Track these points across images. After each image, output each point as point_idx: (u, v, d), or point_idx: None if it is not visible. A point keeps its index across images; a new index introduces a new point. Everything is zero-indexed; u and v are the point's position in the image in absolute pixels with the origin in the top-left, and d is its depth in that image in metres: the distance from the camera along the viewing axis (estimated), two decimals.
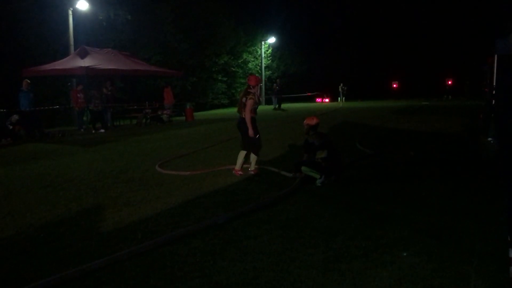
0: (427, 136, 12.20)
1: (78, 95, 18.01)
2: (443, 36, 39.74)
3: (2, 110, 15.93)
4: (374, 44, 41.61)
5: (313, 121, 7.09)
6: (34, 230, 5.09)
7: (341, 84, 33.31)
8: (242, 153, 7.55)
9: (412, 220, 4.84)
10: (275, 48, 40.04)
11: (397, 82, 42.18)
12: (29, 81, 15.97)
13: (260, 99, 7.38)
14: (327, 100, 36.61)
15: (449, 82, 36.02)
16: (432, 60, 40.48)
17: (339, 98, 32.92)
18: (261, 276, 3.54)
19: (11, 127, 15.32)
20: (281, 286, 3.36)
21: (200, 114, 25.44)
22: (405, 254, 3.22)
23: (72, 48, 20.77)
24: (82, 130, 17.97)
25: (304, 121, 7.18)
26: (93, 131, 17.21)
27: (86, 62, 17.88)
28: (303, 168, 6.85)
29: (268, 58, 39.44)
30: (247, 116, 7.29)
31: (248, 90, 7.43)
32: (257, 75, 35.93)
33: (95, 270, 3.77)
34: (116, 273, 3.74)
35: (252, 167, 7.62)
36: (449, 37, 39.28)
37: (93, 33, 24.50)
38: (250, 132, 7.31)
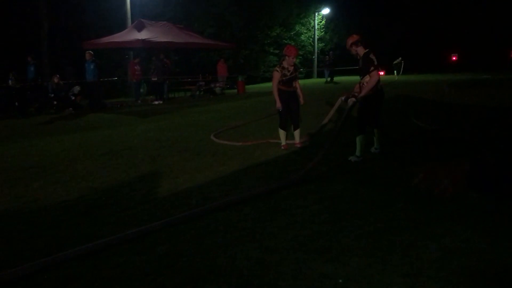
0: (488, 111, 11.63)
1: (136, 67, 18.55)
2: (507, 4, 36.98)
3: (65, 81, 16.71)
4: (431, 14, 39.49)
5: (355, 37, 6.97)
6: (96, 194, 5.42)
7: (396, 60, 31.56)
8: (292, 128, 7.67)
9: (464, 195, 4.71)
10: (329, 19, 39.03)
11: (456, 54, 40.01)
12: (91, 52, 16.36)
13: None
14: (382, 73, 35.44)
15: None
16: (495, 30, 37.89)
17: (395, 72, 31.51)
18: (311, 243, 3.61)
19: (73, 97, 16.12)
20: (330, 254, 3.42)
21: (251, 87, 25.48)
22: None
23: (129, 21, 21.33)
24: (139, 101, 18.56)
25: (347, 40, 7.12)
26: (155, 102, 17.71)
27: (142, 35, 18.34)
28: (357, 138, 6.50)
29: (322, 30, 38.56)
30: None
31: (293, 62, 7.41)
32: (309, 47, 34.61)
33: (152, 232, 3.99)
34: (172, 235, 3.94)
35: (298, 139, 7.73)
36: None
37: (149, 7, 24.99)
38: (301, 101, 7.58)
